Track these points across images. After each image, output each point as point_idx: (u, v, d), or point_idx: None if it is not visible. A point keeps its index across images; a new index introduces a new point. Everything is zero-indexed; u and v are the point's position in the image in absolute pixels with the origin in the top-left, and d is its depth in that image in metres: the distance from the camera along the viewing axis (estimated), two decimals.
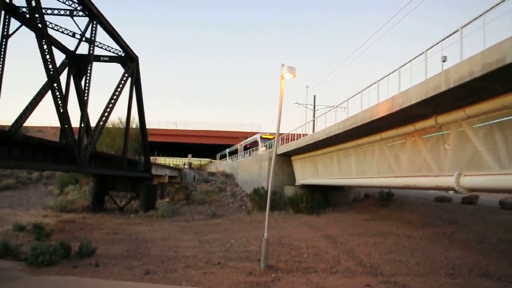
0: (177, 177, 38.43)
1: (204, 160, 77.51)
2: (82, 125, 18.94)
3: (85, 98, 18.86)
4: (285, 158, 28.53)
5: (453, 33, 8.96)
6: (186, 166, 52.64)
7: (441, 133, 11.12)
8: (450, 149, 10.67)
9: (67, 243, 12.59)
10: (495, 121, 8.87)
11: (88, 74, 18.88)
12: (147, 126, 29.69)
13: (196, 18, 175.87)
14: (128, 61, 23.64)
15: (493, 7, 7.61)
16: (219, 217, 24.72)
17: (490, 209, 21.79)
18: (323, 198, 26.94)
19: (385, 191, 26.39)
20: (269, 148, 34.25)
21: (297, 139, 25.08)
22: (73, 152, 17.04)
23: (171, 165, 46.77)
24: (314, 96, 38.60)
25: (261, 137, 40.07)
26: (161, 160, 56.98)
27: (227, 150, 58.84)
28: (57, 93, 15.63)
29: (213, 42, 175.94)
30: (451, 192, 24.66)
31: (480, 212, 21.00)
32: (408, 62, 11.69)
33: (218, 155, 67.05)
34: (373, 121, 12.83)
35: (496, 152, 8.88)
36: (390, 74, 12.38)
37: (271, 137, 36.88)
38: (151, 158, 33.82)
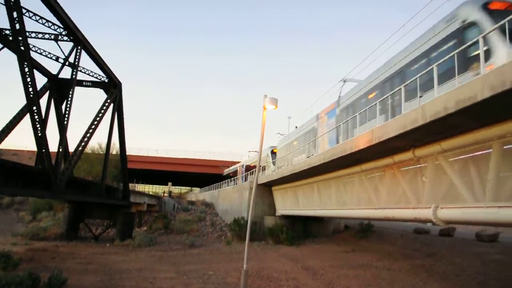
0: (156, 205, 37.74)
1: (184, 189, 76.55)
2: (60, 150, 18.56)
3: (65, 122, 18.60)
4: (266, 188, 28.42)
5: (426, 71, 9.36)
6: (165, 194, 51.85)
7: (419, 166, 11.36)
8: (428, 182, 10.89)
9: (35, 273, 11.94)
10: (469, 155, 9.15)
11: (70, 99, 18.71)
12: (128, 153, 29.31)
13: (181, 45, 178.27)
14: (111, 87, 23.59)
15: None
16: (197, 247, 24.21)
17: (467, 241, 22.08)
18: (303, 229, 26.79)
19: (365, 223, 26.51)
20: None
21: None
22: (49, 177, 16.59)
23: (150, 192, 46.04)
24: (296, 127, 39.01)
25: (272, 152, 34.41)
26: (140, 187, 55.97)
27: (232, 168, 53.81)
28: (36, 117, 15.37)
29: (198, 70, 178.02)
30: (429, 224, 24.91)
31: (457, 244, 21.23)
32: (389, 94, 11.99)
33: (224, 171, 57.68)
34: (353, 153, 13.02)
35: (471, 185, 9.10)
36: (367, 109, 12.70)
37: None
38: (130, 185, 33.20)
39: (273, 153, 31.46)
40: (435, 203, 10.11)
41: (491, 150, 8.38)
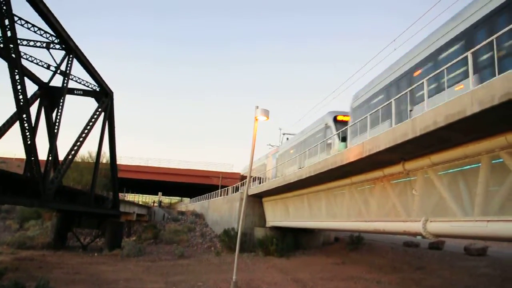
0: (146, 215, 37.36)
1: (174, 199, 75.96)
2: (50, 158, 18.39)
3: (55, 130, 18.46)
4: (256, 199, 28.34)
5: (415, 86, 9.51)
6: (155, 204, 51.40)
7: (409, 179, 11.46)
8: (417, 195, 10.97)
9: (21, 283, 11.76)
10: (458, 169, 9.25)
11: (60, 107, 18.60)
12: (118, 162, 29.08)
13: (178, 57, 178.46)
14: (103, 96, 23.50)
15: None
16: (187, 258, 23.97)
17: (456, 255, 22.17)
18: (293, 240, 26.68)
19: (355, 235, 26.49)
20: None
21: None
22: (38, 186, 16.37)
23: (140, 202, 45.58)
24: (287, 138, 39.18)
25: (335, 119, 21.60)
26: (130, 197, 55.43)
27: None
28: (26, 124, 15.23)
29: (194, 80, 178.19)
30: (418, 237, 24.99)
31: (446, 257, 21.30)
32: (377, 109, 12.10)
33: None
34: (343, 165, 13.09)
35: (460, 199, 9.19)
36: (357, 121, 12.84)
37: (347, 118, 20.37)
38: (120, 194, 32.85)
39: (337, 121, 21.23)
40: (425, 216, 10.17)
41: (480, 164, 8.49)
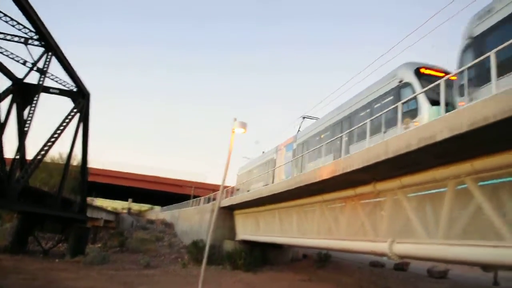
0: (113, 222, 36.46)
1: (145, 206, 74.44)
2: (17, 156, 17.78)
3: (26, 129, 17.90)
4: (228, 212, 28.14)
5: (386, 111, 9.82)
6: (125, 211, 50.28)
7: (379, 199, 11.70)
8: (386, 216, 11.21)
9: None
10: (426, 192, 9.55)
11: (34, 105, 18.11)
12: (89, 165, 28.37)
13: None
14: (79, 96, 23.04)
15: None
16: (152, 268, 23.43)
17: (419, 276, 22.66)
18: (262, 255, 26.50)
19: (323, 253, 26.65)
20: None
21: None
22: (2, 184, 15.76)
23: (109, 208, 44.47)
24: (263, 152, 39.29)
25: (418, 72, 13.00)
26: (99, 202, 54.02)
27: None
28: None
29: (171, 87, 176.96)
30: (385, 258, 25.37)
31: (410, 279, 21.74)
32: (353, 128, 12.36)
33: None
34: (316, 183, 13.24)
35: (426, 222, 9.46)
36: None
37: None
38: (88, 199, 31.97)
39: (421, 75, 13.16)
40: (392, 237, 10.38)
41: (446, 189, 8.80)
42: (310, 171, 14.16)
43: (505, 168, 7.25)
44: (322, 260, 26.22)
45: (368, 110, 14.58)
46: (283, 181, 17.22)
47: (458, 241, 8.13)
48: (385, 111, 11.48)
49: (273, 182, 22.63)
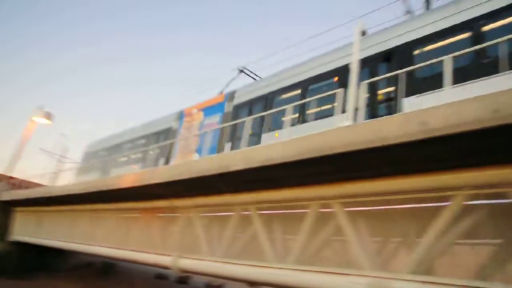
0: None
1: None
2: None
3: None
4: (6, 207, 23.95)
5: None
6: None
7: (173, 215, 12.16)
8: (178, 231, 11.72)
9: None
10: (215, 214, 10.51)
11: None
12: None
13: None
14: None
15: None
16: None
17: None
18: (39, 260, 23.41)
19: (108, 262, 25.38)
20: None
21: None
22: None
23: None
24: (70, 148, 35.45)
25: None
26: None
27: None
28: None
29: None
30: (170, 271, 26.05)
31: None
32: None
33: None
34: (113, 190, 12.78)
35: (211, 240, 10.35)
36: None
37: None
38: None
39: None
40: (179, 252, 10.91)
41: (233, 213, 9.88)
42: (112, 177, 13.60)
43: (278, 202, 8.71)
44: (105, 269, 24.92)
45: None
46: (78, 183, 15.93)
47: (233, 260, 9.19)
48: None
49: (167, 163, 16.64)
